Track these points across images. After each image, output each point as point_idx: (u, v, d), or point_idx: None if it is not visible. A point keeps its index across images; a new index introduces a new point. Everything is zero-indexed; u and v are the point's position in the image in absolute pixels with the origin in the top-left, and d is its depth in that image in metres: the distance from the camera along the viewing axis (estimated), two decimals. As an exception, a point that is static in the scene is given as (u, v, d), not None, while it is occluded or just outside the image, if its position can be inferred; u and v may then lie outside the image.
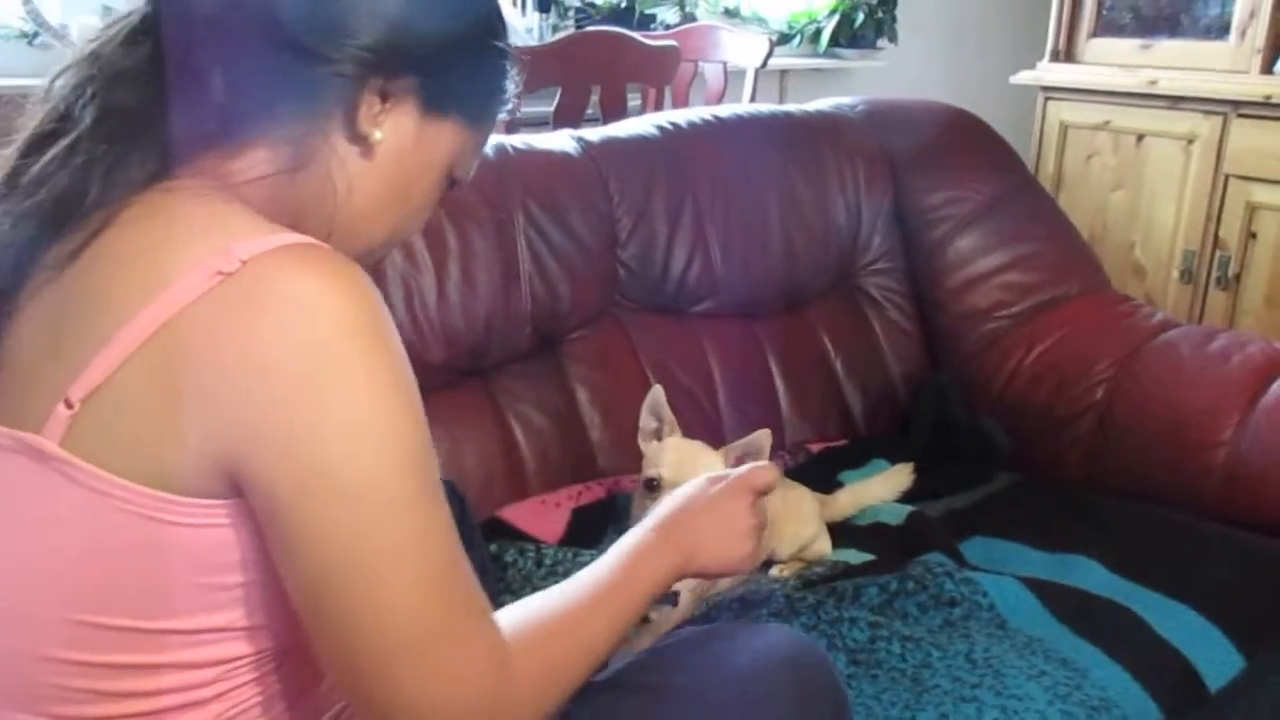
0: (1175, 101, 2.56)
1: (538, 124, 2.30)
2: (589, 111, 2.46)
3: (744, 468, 0.96)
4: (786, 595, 1.27)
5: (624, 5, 3.30)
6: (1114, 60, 2.73)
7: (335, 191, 0.74)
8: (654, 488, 1.21)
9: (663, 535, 0.87)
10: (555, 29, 3.11)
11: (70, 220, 0.68)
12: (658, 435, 1.27)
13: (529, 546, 1.38)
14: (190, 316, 0.63)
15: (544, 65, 2.23)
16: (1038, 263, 1.84)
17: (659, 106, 2.63)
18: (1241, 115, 2.42)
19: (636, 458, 1.29)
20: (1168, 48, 2.65)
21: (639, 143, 1.74)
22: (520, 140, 1.66)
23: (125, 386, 0.63)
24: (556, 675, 0.75)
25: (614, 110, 2.43)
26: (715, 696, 0.82)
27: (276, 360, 0.62)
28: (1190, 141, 2.54)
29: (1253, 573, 1.32)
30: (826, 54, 3.70)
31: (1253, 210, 2.43)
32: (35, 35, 2.49)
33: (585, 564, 0.85)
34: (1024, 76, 2.89)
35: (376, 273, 0.82)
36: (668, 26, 3.33)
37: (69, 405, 0.63)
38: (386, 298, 0.73)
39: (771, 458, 1.19)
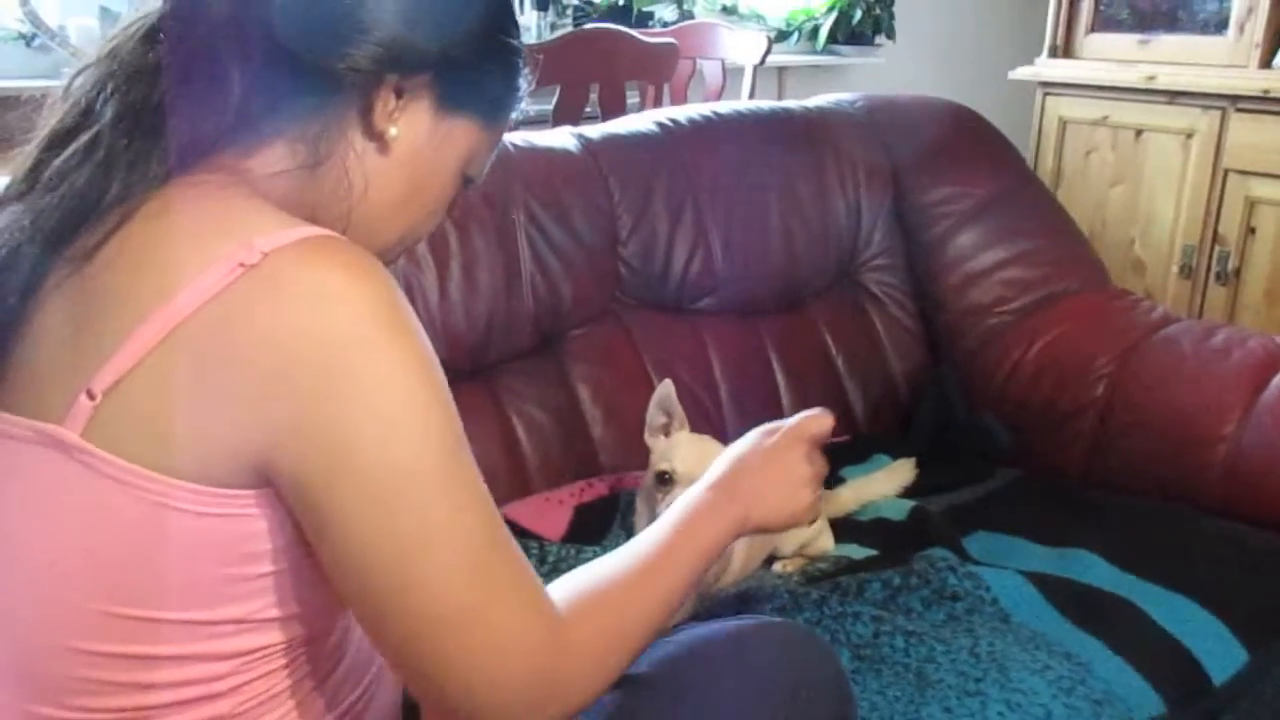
0: (1174, 97, 2.56)
1: (537, 122, 2.30)
2: (588, 110, 2.46)
3: (797, 416, 0.93)
4: (790, 591, 1.27)
5: (622, 3, 3.30)
6: (1112, 56, 2.74)
7: (351, 188, 0.75)
8: (666, 482, 1.21)
9: (720, 493, 0.86)
10: (554, 27, 3.11)
11: (91, 215, 0.68)
12: (666, 431, 1.27)
13: (532, 544, 1.39)
14: (213, 309, 0.63)
15: (543, 63, 2.23)
16: (1038, 259, 1.84)
17: (658, 104, 2.63)
18: (1240, 110, 2.43)
19: (639, 454, 1.29)
20: (1166, 43, 2.65)
21: (639, 140, 1.74)
22: (520, 138, 1.66)
23: (149, 378, 0.64)
24: (613, 643, 0.74)
25: (613, 108, 2.43)
26: (717, 691, 0.82)
27: (299, 351, 0.63)
28: (1189, 136, 2.54)
29: (1255, 566, 1.32)
30: (824, 51, 3.70)
31: (1252, 205, 2.43)
32: (33, 37, 2.49)
33: (588, 560, 0.84)
34: (1022, 72, 2.89)
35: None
36: (666, 24, 3.33)
37: (91, 397, 0.64)
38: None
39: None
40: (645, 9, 3.35)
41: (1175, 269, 2.60)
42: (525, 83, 0.85)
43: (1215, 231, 2.50)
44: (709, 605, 1.24)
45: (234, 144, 0.72)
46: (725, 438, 1.31)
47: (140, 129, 0.70)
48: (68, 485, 0.65)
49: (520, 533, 1.42)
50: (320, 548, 0.67)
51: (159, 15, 0.73)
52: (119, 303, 0.65)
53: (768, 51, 2.93)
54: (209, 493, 0.65)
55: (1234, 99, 2.43)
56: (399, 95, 0.75)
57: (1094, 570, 1.34)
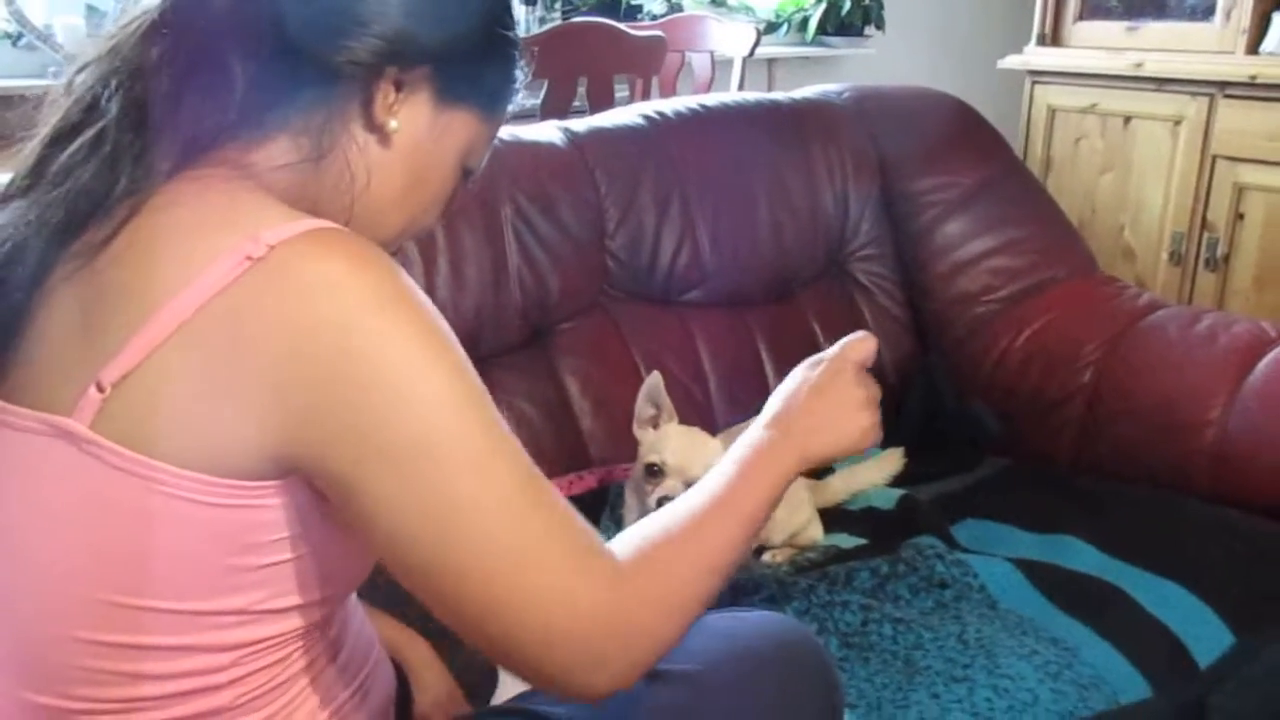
0: (1162, 84, 2.56)
1: (524, 116, 2.30)
2: (576, 103, 2.45)
3: (840, 343, 0.91)
4: (778, 581, 1.27)
5: (610, -4, 3.30)
6: (1100, 43, 2.74)
7: (354, 181, 0.75)
8: (656, 474, 1.21)
9: (775, 430, 0.84)
10: (542, 21, 3.11)
11: (98, 209, 0.68)
12: (654, 423, 1.28)
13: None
14: (221, 303, 0.64)
15: (531, 57, 2.23)
16: (1025, 247, 1.84)
17: (646, 97, 2.62)
18: (1228, 96, 2.43)
19: (628, 447, 1.30)
20: (1154, 30, 2.65)
21: (626, 133, 1.74)
22: (506, 132, 1.66)
23: (158, 371, 0.64)
24: (676, 589, 0.73)
25: (601, 102, 2.43)
26: (706, 680, 0.83)
27: (309, 341, 0.64)
28: (1177, 123, 2.55)
29: (1241, 551, 1.32)
30: (814, 43, 3.70)
31: (1240, 191, 2.44)
32: (19, 36, 2.48)
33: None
34: (1011, 61, 2.89)
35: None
36: (654, 17, 3.33)
37: (100, 389, 0.64)
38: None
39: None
40: (633, 2, 3.34)
41: (1165, 256, 2.61)
42: (522, 74, 0.86)
43: (1204, 218, 2.51)
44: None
45: (237, 138, 0.73)
46: (714, 429, 1.32)
47: (145, 124, 0.70)
48: (75, 477, 0.66)
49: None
50: (355, 522, 0.67)
51: (160, 11, 0.73)
52: (127, 296, 0.66)
53: (756, 43, 2.93)
54: (218, 483, 0.65)
55: (1222, 85, 2.44)
56: (399, 88, 0.75)
57: (1081, 556, 1.35)
